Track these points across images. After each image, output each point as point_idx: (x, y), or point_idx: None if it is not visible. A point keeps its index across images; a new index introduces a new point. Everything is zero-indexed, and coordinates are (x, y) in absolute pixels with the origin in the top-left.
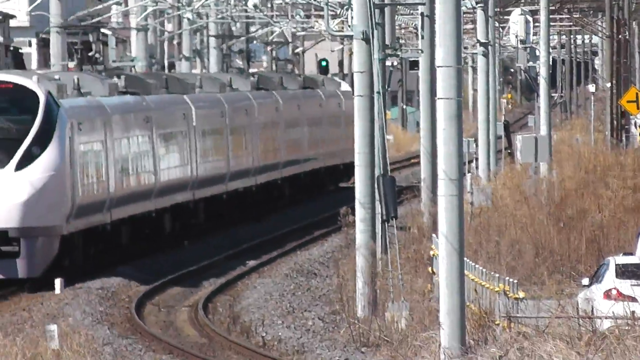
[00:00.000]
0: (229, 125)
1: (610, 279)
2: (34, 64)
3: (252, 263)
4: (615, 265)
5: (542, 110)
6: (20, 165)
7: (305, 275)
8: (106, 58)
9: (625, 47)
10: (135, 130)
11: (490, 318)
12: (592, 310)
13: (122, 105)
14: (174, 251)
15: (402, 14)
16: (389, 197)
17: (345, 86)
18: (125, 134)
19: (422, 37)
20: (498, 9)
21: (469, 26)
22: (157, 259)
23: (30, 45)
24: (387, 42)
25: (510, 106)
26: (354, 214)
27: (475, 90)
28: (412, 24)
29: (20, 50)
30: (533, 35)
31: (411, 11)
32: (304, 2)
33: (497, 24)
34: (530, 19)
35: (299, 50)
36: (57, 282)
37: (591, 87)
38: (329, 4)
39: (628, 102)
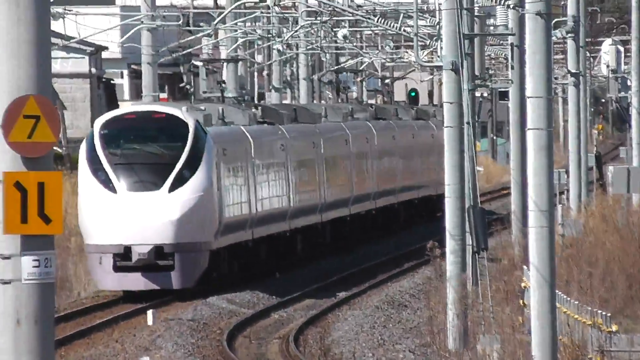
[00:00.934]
0: (352, 153)
1: None
2: (125, 95)
3: (342, 295)
4: None
5: (635, 142)
6: (173, 187)
7: (396, 308)
8: (197, 89)
9: None
10: (273, 157)
11: (583, 352)
12: None
13: (261, 134)
14: (265, 282)
15: (491, 44)
16: (479, 229)
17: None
18: (264, 160)
19: (512, 68)
20: (589, 39)
21: (559, 56)
22: (248, 289)
23: (122, 76)
24: (477, 72)
25: (601, 137)
26: (440, 247)
27: (565, 121)
28: (501, 54)
29: (112, 82)
30: (624, 64)
31: (501, 41)
32: (394, 32)
33: (588, 54)
34: (622, 48)
35: (388, 80)
36: (149, 313)
37: None
38: (419, 34)
39: None
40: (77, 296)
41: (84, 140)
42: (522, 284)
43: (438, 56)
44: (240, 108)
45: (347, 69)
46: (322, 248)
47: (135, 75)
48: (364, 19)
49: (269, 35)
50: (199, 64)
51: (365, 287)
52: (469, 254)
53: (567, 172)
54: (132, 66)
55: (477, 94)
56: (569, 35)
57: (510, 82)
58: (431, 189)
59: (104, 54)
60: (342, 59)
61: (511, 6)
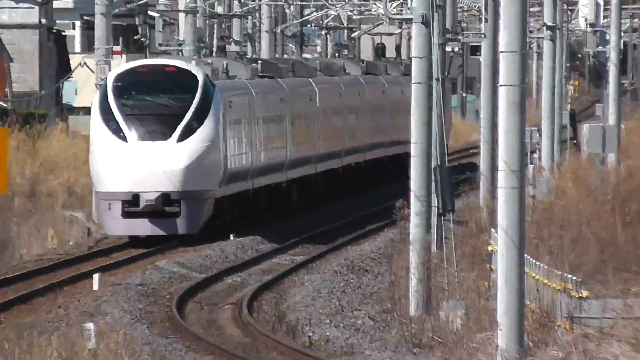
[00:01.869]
0: (345, 106)
1: None
2: (77, 47)
3: (300, 258)
4: None
5: (611, 99)
6: (181, 137)
7: (356, 272)
8: (152, 42)
9: None
10: (273, 109)
11: (551, 318)
12: None
13: (263, 87)
14: (220, 244)
15: None
16: (445, 189)
17: None
18: (266, 113)
19: (486, 21)
20: None
21: (535, 9)
22: (200, 253)
23: (73, 28)
24: (448, 26)
25: (577, 94)
26: (409, 207)
27: (540, 77)
28: (475, 6)
29: (63, 33)
30: (603, 18)
31: None
32: None
33: (565, 6)
34: (601, 1)
35: (355, 34)
36: (95, 277)
37: None
38: None
39: None
40: (20, 259)
41: (97, 92)
42: (489, 248)
43: (408, 8)
44: (242, 62)
45: (312, 21)
46: (316, 200)
47: (88, 27)
48: None
49: None
50: (155, 15)
51: (324, 250)
52: (435, 216)
53: (539, 130)
54: (85, 17)
55: (448, 48)
56: None
57: (483, 36)
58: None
59: (55, 4)
60: (306, 12)
61: None
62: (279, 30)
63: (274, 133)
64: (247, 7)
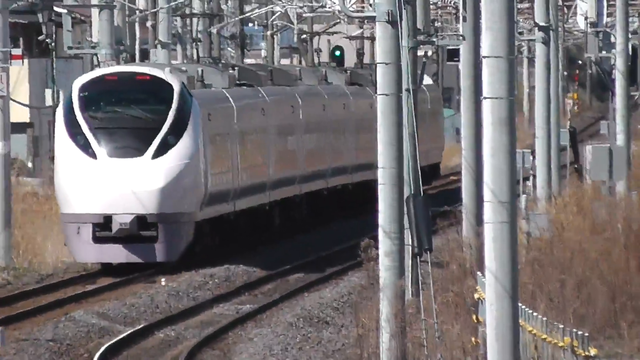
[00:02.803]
0: (328, 120)
1: None
2: None
3: (246, 308)
4: None
5: (619, 114)
6: (157, 154)
7: (315, 325)
8: (60, 43)
9: None
10: (254, 122)
11: None
12: None
13: (242, 97)
14: (148, 290)
15: None
16: (421, 224)
17: (427, 80)
18: (246, 125)
19: (464, 20)
20: None
21: (525, 5)
22: (124, 301)
23: None
24: (419, 25)
25: (577, 108)
26: (377, 247)
27: (532, 87)
28: (450, 1)
29: None
30: (607, 16)
31: None
32: None
33: (560, 3)
34: None
35: (306, 36)
36: None
37: None
38: None
39: None
40: None
41: (61, 103)
42: (476, 296)
43: (370, 4)
44: (219, 69)
45: (255, 19)
46: (299, 223)
47: None
48: None
49: None
50: (63, 11)
51: (276, 297)
52: (409, 257)
53: (533, 152)
54: None
55: (420, 52)
56: None
57: (461, 38)
58: (422, 159)
59: None
60: (247, 8)
61: None
62: (214, 31)
63: (256, 148)
64: (176, 2)
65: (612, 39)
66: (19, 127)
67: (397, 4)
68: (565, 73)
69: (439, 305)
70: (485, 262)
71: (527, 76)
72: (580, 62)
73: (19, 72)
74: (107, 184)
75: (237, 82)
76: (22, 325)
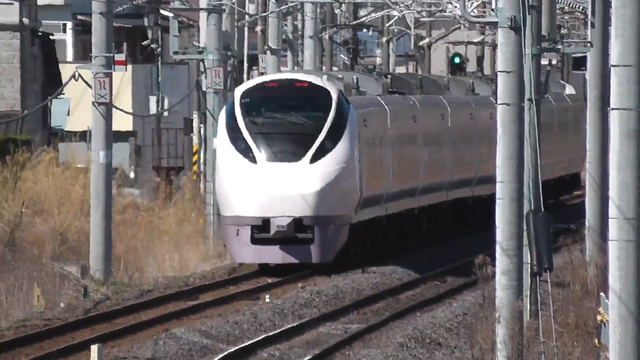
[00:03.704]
0: (474, 129)
1: None
2: (69, 55)
3: (354, 327)
4: None
5: None
6: (314, 158)
7: (427, 346)
8: (166, 48)
9: None
10: (406, 128)
11: None
12: None
13: (396, 104)
14: (252, 307)
15: None
16: (542, 242)
17: (570, 89)
18: (399, 131)
19: (593, 26)
20: None
21: None
22: (227, 319)
23: (64, 30)
24: (544, 32)
25: None
26: (493, 264)
27: None
28: (578, 6)
29: (51, 37)
30: None
31: None
32: None
33: None
34: None
35: (424, 42)
36: (94, 349)
37: None
38: None
39: None
40: None
41: (223, 108)
42: (598, 318)
43: (492, 9)
44: (373, 77)
45: (369, 24)
46: (446, 230)
47: (83, 30)
48: None
49: None
50: (170, 15)
51: (386, 316)
52: (527, 276)
53: None
54: (79, 17)
55: (544, 61)
56: None
57: (589, 45)
58: (564, 168)
59: (41, 1)
60: (362, 12)
61: None
62: (326, 36)
63: (409, 154)
64: (287, 6)
65: None
66: (121, 136)
67: (521, 10)
68: None
69: (558, 327)
70: (609, 282)
71: None
72: None
73: (122, 79)
74: (266, 188)
75: (390, 89)
76: (121, 342)
